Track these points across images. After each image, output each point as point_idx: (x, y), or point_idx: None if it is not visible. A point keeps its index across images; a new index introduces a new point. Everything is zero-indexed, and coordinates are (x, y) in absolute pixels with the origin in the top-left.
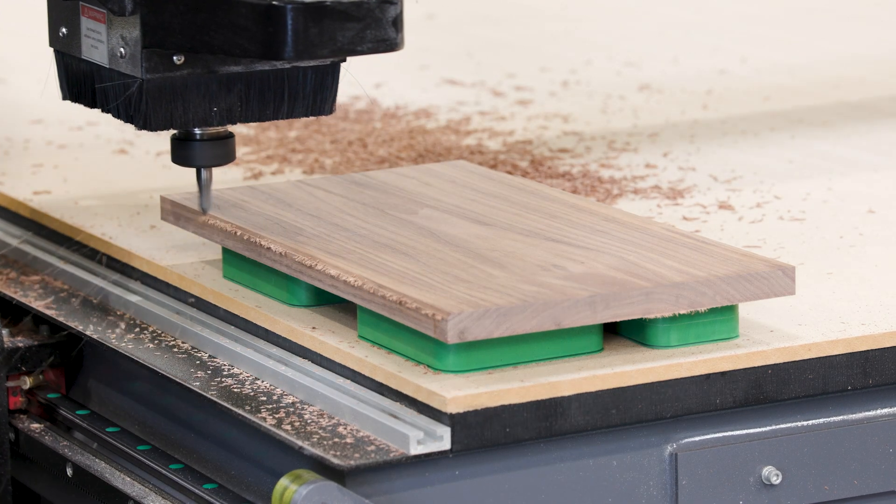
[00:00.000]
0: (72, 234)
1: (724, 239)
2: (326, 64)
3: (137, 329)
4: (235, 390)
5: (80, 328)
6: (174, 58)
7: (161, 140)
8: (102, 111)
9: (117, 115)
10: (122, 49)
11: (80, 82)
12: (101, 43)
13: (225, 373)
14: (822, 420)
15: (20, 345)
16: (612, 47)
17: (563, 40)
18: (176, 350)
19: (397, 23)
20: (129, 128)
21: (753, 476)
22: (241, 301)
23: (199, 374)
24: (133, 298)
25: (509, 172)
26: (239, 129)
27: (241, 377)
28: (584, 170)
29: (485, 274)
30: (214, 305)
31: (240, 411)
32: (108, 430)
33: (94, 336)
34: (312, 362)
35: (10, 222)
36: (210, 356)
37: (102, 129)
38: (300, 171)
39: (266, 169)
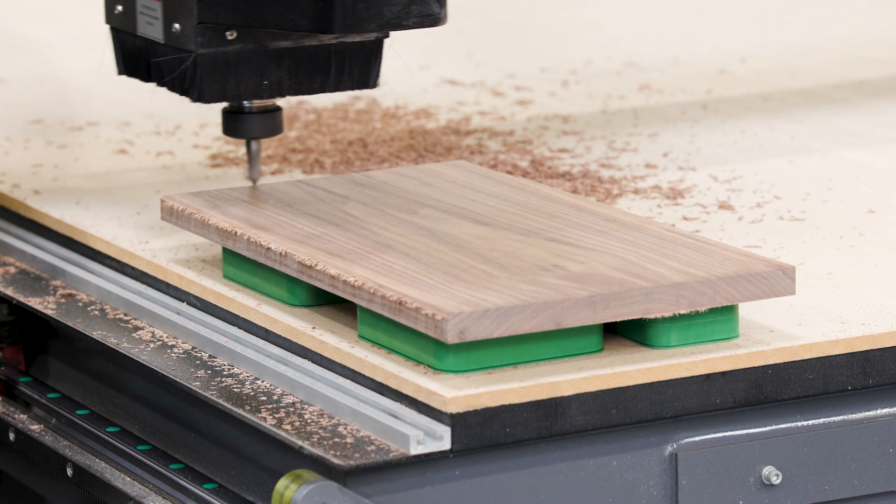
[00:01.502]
0: (71, 234)
1: (724, 239)
2: (371, 39)
3: (136, 329)
4: (236, 390)
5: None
6: (227, 33)
7: (161, 140)
8: (157, 85)
9: (172, 88)
10: (176, 25)
11: (135, 58)
12: (156, 20)
13: (225, 373)
14: (822, 420)
15: None
16: (613, 48)
17: (563, 40)
18: (176, 350)
19: None
20: (129, 128)
21: (753, 476)
22: (242, 301)
23: (200, 373)
24: (132, 297)
25: (509, 172)
26: None
27: (241, 377)
28: (584, 170)
29: (485, 274)
30: (215, 305)
31: (240, 411)
32: (108, 429)
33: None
34: (312, 362)
35: (11, 223)
36: (210, 356)
37: (102, 130)
38: (300, 170)
39: (266, 169)
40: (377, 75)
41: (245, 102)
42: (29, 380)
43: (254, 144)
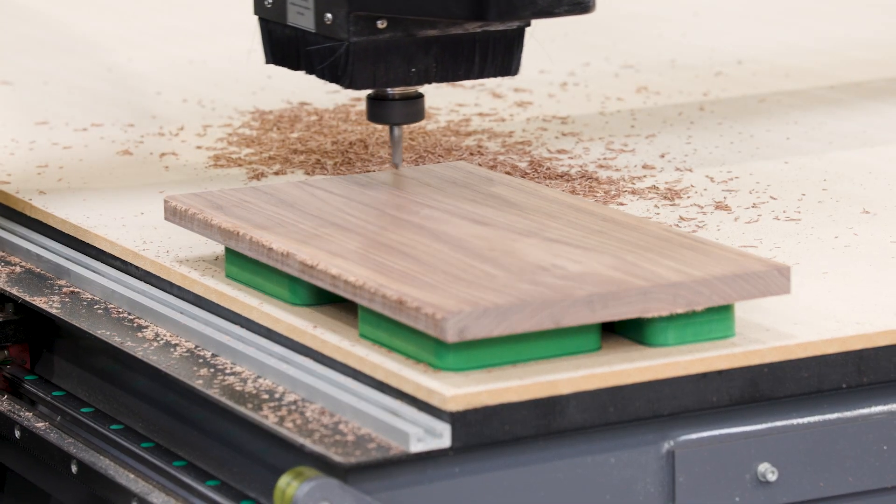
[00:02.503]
0: (75, 234)
1: (720, 239)
2: (513, 28)
3: (140, 328)
4: (238, 388)
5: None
6: (377, 22)
7: (165, 141)
8: (307, 73)
9: (322, 76)
10: (328, 14)
11: (285, 47)
12: (307, 10)
13: (227, 371)
14: (817, 418)
15: None
16: (610, 50)
17: (561, 43)
18: (179, 348)
19: None
20: (133, 129)
21: (749, 473)
22: (244, 300)
23: (202, 372)
24: (136, 296)
25: (508, 173)
26: (241, 130)
27: (243, 375)
28: (582, 170)
29: (484, 273)
30: (217, 304)
31: (242, 409)
32: (112, 427)
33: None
34: (314, 361)
35: (17, 223)
36: (213, 354)
37: (107, 131)
38: (301, 171)
39: (268, 169)
40: (518, 63)
41: (388, 89)
42: (34, 378)
43: (396, 130)
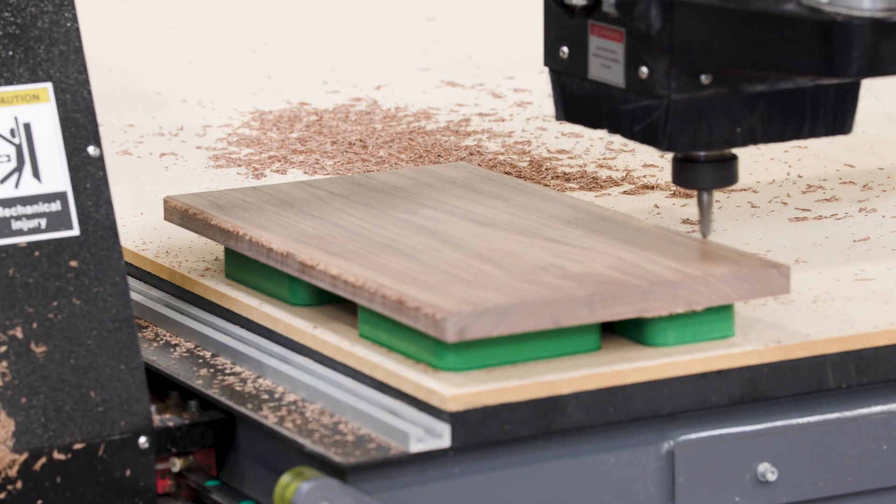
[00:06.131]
0: None
1: (720, 239)
2: (847, 81)
3: (140, 328)
4: (238, 388)
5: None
6: (702, 77)
7: (164, 141)
8: (610, 132)
9: (630, 137)
10: (644, 68)
11: (583, 103)
12: (615, 62)
13: (227, 371)
14: (816, 418)
15: (170, 424)
16: None
17: None
18: (179, 349)
19: None
20: (133, 129)
21: (749, 473)
22: (244, 300)
23: (202, 372)
24: (135, 297)
25: (508, 173)
26: (241, 131)
27: (243, 375)
28: (582, 170)
29: (484, 273)
30: (217, 305)
31: (242, 409)
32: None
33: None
34: (314, 361)
35: None
36: (213, 355)
37: (106, 131)
38: (301, 171)
39: (268, 170)
40: (853, 120)
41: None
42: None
43: (705, 196)
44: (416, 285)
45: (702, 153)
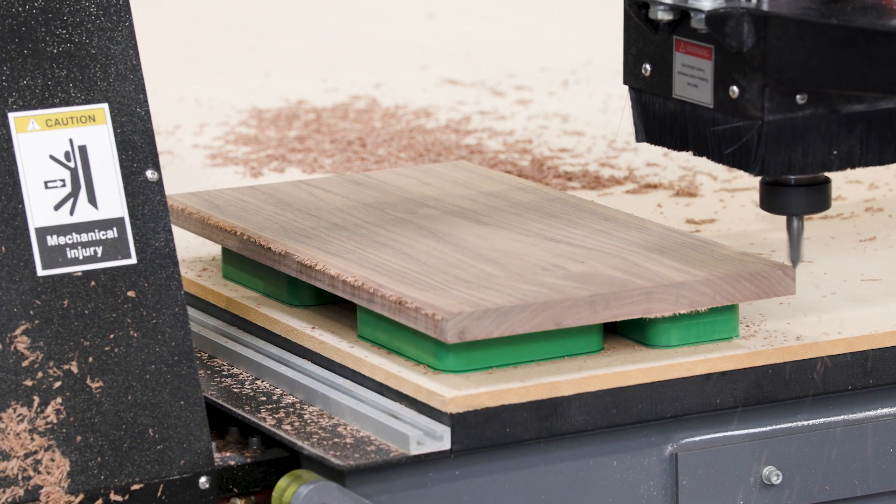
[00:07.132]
0: None
1: (724, 239)
2: None
3: None
4: (235, 390)
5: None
6: (797, 97)
7: (161, 140)
8: (695, 154)
9: (719, 160)
10: (734, 88)
11: (666, 124)
12: (702, 81)
13: (225, 373)
14: (822, 420)
15: (231, 463)
16: (612, 47)
17: (563, 40)
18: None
19: None
20: None
21: (754, 476)
22: (241, 301)
23: (199, 373)
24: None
25: (509, 172)
26: (239, 129)
27: (240, 377)
28: (584, 169)
29: (485, 274)
30: (214, 305)
31: (239, 411)
32: None
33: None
34: (312, 362)
35: None
36: (210, 356)
37: None
38: (300, 170)
39: (266, 168)
40: None
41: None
42: None
43: (796, 222)
44: (415, 285)
45: (792, 178)
